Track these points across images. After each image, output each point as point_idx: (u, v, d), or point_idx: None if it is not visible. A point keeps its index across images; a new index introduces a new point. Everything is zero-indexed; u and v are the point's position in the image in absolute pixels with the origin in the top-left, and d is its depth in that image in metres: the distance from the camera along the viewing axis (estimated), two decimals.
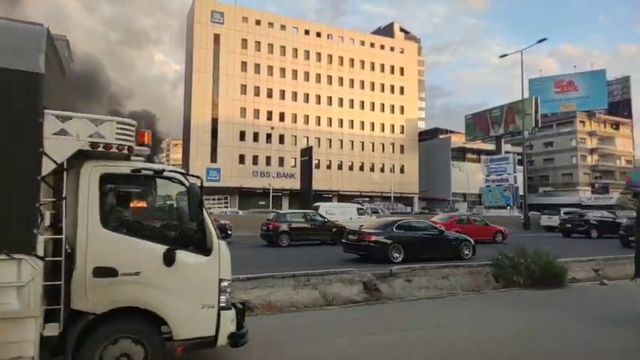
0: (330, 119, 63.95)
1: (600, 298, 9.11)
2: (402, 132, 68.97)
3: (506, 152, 54.17)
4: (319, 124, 63.19)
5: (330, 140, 63.64)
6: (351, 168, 64.73)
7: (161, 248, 4.03)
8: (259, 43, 60.08)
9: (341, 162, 64.12)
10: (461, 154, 70.74)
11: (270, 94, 60.36)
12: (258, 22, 60.33)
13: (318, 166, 58.32)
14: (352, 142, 65.12)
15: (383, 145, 67.20)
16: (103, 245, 3.87)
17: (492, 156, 53.91)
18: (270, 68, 60.72)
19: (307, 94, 62.79)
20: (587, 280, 11.25)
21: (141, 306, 3.93)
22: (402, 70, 69.26)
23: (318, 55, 63.79)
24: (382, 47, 68.61)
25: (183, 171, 4.49)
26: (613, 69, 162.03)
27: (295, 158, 52.87)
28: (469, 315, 7.48)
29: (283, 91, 61.26)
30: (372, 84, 67.05)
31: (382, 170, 66.46)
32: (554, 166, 72.40)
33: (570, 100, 68.52)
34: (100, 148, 3.84)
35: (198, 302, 4.15)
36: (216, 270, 4.27)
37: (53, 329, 3.60)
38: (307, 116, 62.58)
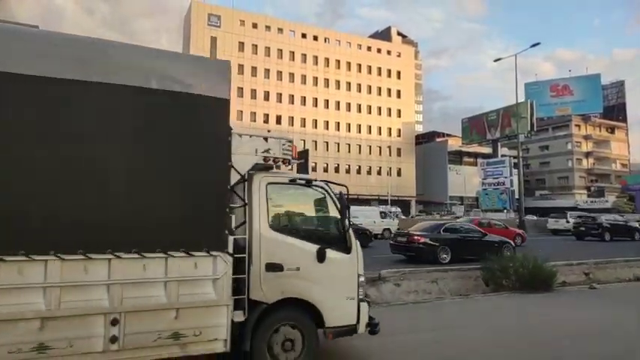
0: (327, 122, 64.04)
1: (583, 302, 9.17)
2: (399, 135, 69.08)
3: (503, 156, 54.26)
4: (316, 127, 63.26)
5: (327, 143, 63.69)
6: (347, 171, 64.77)
7: (314, 247, 4.67)
8: (256, 46, 60.21)
9: (338, 165, 64.17)
10: (458, 157, 70.91)
11: (267, 97, 60.45)
12: (255, 25, 60.47)
13: (315, 169, 58.33)
14: (349, 145, 65.20)
15: (380, 148, 67.29)
16: (272, 244, 4.47)
17: (489, 159, 54.03)
18: (267, 71, 60.82)
19: (304, 97, 62.88)
20: (577, 284, 11.27)
21: (301, 297, 4.53)
22: (398, 73, 69.48)
23: (315, 58, 63.96)
24: (379, 51, 68.84)
25: (329, 181, 5.23)
26: (608, 73, 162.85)
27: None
28: (450, 319, 7.57)
29: (280, 94, 61.34)
30: (369, 87, 67.21)
31: (379, 173, 66.52)
32: (550, 170, 72.66)
33: (566, 103, 68.85)
34: (270, 162, 4.63)
35: (343, 294, 4.79)
36: (355, 266, 4.93)
37: (240, 316, 4.20)
38: (304, 119, 62.63)
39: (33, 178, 3.44)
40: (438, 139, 75.94)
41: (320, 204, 5.14)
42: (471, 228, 16.29)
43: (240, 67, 58.94)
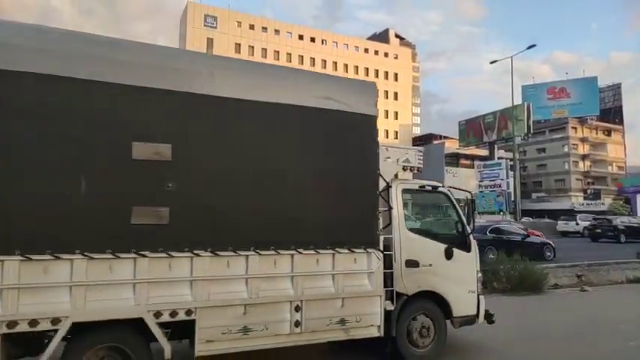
0: None
1: (567, 304, 9.16)
2: (396, 137, 69.14)
3: (500, 158, 54.17)
4: None
5: None
6: None
7: (442, 246, 5.41)
8: (253, 47, 60.22)
9: None
10: (454, 159, 70.78)
11: None
12: (251, 27, 60.50)
13: None
14: None
15: None
16: (409, 244, 5.20)
17: (486, 162, 53.94)
18: None
19: None
20: (569, 287, 11.20)
21: (434, 290, 5.25)
22: (396, 75, 69.61)
23: (312, 60, 64.00)
24: (376, 53, 68.98)
25: (453, 187, 5.94)
26: (605, 76, 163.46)
27: None
28: None
29: None
30: None
31: None
32: (547, 172, 72.69)
33: (563, 106, 68.91)
34: (407, 170, 5.53)
35: (466, 288, 5.52)
36: (474, 263, 5.66)
37: (389, 305, 4.89)
38: None
39: (256, 188, 4.27)
40: (435, 142, 75.92)
41: (444, 207, 5.93)
42: (514, 230, 17.11)
43: None
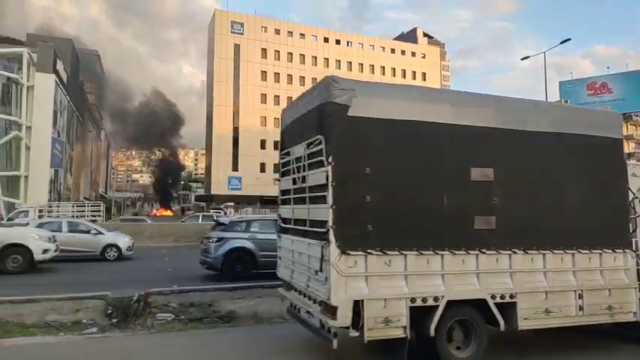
0: None
1: None
2: None
3: None
4: None
5: None
6: None
7: None
8: (278, 52, 60.42)
9: None
10: None
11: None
12: (277, 32, 60.74)
13: None
14: None
15: None
16: None
17: None
18: (290, 77, 60.85)
19: None
20: None
21: None
22: (424, 75, 68.15)
23: (338, 62, 63.56)
24: (403, 53, 67.78)
25: None
26: None
27: None
28: None
29: None
30: None
31: None
32: None
33: (604, 102, 64.93)
34: None
35: None
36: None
37: None
38: None
39: (549, 203, 5.51)
40: None
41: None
42: None
43: (263, 73, 59.28)
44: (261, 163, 58.16)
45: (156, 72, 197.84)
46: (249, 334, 6.99)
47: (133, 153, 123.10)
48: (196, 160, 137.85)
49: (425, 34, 78.65)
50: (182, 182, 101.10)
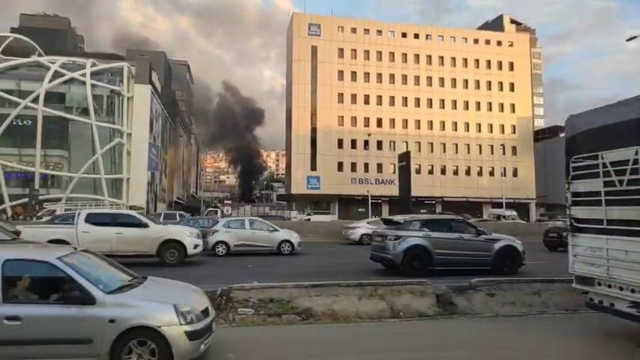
0: (431, 122, 61.21)
1: None
2: (514, 132, 63.15)
3: None
4: (419, 128, 60.86)
5: (432, 144, 60.85)
6: (455, 172, 61.07)
7: None
8: (355, 50, 60.17)
9: (444, 166, 60.86)
10: None
11: (367, 101, 59.91)
12: (354, 30, 60.55)
13: (419, 171, 56.08)
14: (456, 145, 61.45)
15: (492, 146, 62.23)
16: None
17: None
18: (367, 75, 60.34)
19: (405, 98, 61.01)
20: None
21: None
22: (511, 65, 63.65)
23: (417, 56, 61.71)
24: (487, 42, 63.89)
25: None
26: None
27: (394, 164, 51.45)
28: (539, 338, 6.42)
29: (380, 97, 60.34)
30: (477, 82, 62.64)
31: (491, 174, 61.48)
32: None
33: None
34: None
35: None
36: None
37: None
38: (406, 120, 60.70)
39: None
40: (562, 135, 67.56)
41: None
42: None
43: (340, 73, 59.45)
44: (339, 162, 58.46)
45: (238, 77, 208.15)
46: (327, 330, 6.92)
47: (221, 155, 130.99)
48: (277, 160, 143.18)
49: (512, 21, 73.61)
50: (264, 182, 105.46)
